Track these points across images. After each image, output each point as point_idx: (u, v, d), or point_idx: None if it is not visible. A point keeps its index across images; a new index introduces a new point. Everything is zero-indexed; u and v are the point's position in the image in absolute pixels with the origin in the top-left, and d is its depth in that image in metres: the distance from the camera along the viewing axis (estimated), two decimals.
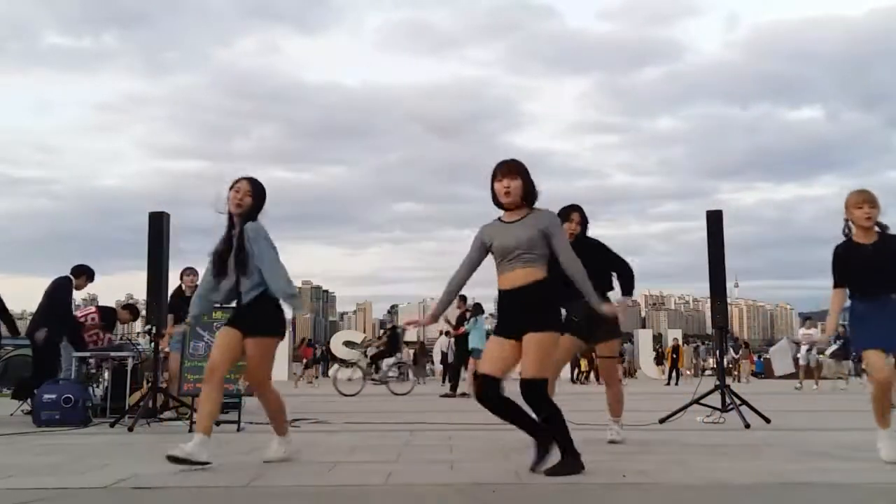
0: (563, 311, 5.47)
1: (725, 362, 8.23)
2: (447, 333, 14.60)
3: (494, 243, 4.01)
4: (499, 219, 4.09)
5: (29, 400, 7.78)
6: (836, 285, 4.34)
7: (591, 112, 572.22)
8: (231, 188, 4.46)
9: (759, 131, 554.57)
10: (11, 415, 8.16)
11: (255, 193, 4.46)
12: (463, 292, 13.31)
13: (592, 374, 23.85)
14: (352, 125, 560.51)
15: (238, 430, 6.30)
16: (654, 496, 3.36)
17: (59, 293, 8.32)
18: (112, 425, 6.76)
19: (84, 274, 8.51)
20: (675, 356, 24.01)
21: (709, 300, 7.40)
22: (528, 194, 4.02)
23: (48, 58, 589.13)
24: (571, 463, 3.78)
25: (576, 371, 25.56)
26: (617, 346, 5.59)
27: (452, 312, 13.63)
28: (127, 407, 7.48)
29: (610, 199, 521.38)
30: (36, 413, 7.07)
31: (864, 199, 4.21)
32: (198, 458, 4.00)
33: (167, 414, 7.49)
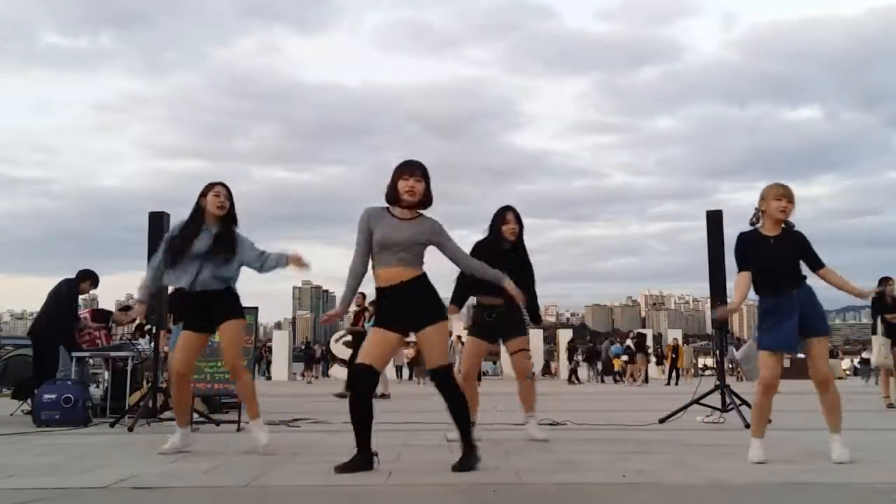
0: (472, 314, 5.69)
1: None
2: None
3: (378, 234, 4.03)
4: (387, 210, 4.11)
5: (29, 400, 7.78)
6: (740, 269, 4.36)
7: (590, 112, 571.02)
8: (210, 191, 4.87)
9: (758, 131, 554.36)
10: (11, 415, 8.17)
11: (232, 199, 4.91)
12: (362, 289, 13.10)
13: (626, 375, 23.96)
14: (351, 125, 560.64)
15: (238, 430, 6.30)
16: (654, 496, 3.35)
17: (66, 294, 8.35)
18: (112, 425, 6.76)
19: (89, 279, 8.54)
20: (674, 356, 24.04)
21: (709, 300, 7.40)
22: (426, 199, 4.14)
23: (47, 58, 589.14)
24: (473, 457, 3.93)
25: (597, 368, 25.96)
26: (525, 341, 5.69)
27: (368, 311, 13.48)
28: (127, 407, 7.49)
29: (609, 199, 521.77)
30: (36, 413, 7.07)
31: (783, 193, 4.25)
32: (183, 447, 4.76)
33: (167, 414, 7.47)
